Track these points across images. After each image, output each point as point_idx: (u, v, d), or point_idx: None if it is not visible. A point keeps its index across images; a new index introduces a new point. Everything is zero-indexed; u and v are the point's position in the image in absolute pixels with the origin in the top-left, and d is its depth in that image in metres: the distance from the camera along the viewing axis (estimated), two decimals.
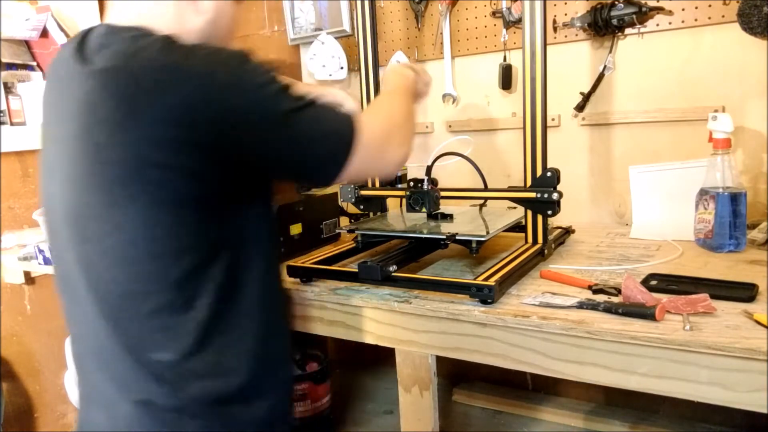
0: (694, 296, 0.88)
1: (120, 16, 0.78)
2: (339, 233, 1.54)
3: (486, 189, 1.31)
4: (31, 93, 1.59)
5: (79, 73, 0.73)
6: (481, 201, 1.40)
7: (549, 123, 1.44)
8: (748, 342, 0.75)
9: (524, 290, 1.03)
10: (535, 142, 1.18)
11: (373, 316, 1.07)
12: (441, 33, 1.69)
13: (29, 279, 1.72)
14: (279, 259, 0.90)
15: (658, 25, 1.42)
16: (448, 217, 1.27)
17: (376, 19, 1.41)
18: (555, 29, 1.54)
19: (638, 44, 1.47)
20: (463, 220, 1.25)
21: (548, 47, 1.18)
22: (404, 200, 1.27)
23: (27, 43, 1.63)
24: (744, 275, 1.02)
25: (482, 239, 1.08)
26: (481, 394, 1.81)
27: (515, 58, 1.61)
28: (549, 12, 1.52)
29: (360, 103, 1.43)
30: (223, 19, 0.85)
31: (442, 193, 1.27)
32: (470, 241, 1.09)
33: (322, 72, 1.89)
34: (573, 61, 1.55)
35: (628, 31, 1.46)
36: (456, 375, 1.88)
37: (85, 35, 0.78)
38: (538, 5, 1.12)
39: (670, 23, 1.41)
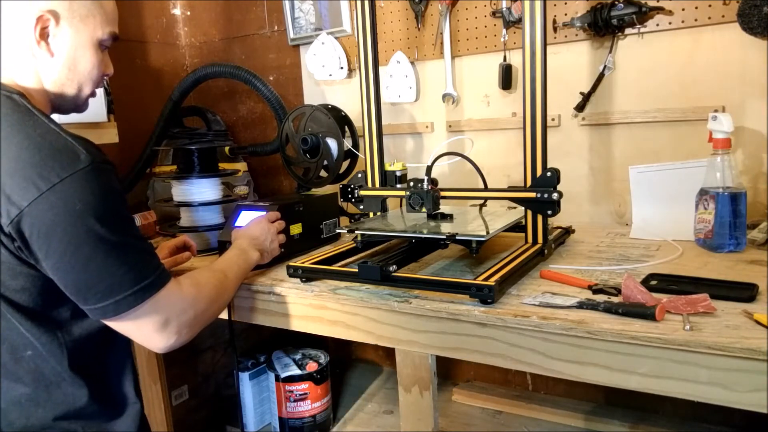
0: (694, 296, 0.88)
1: None
2: (339, 233, 1.54)
3: (486, 189, 1.31)
4: None
5: None
6: (481, 201, 1.40)
7: (549, 123, 1.45)
8: (748, 342, 0.75)
9: (524, 290, 1.03)
10: (535, 142, 1.18)
11: (373, 316, 1.07)
12: (441, 33, 1.69)
13: None
14: None
15: (658, 25, 1.42)
16: (448, 217, 1.27)
17: (376, 19, 1.41)
18: (555, 29, 1.54)
19: (638, 44, 1.47)
20: (463, 220, 1.25)
21: (548, 47, 1.18)
22: (404, 200, 1.27)
23: None
24: (744, 275, 1.02)
25: (482, 239, 1.08)
26: (481, 394, 1.80)
27: (515, 58, 1.61)
28: (549, 12, 1.52)
29: (360, 102, 1.43)
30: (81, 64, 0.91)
31: (442, 193, 1.27)
32: (470, 241, 1.09)
33: (322, 72, 1.89)
34: (573, 61, 1.55)
35: (628, 31, 1.46)
36: (456, 375, 1.88)
37: None
38: (538, 5, 1.12)
39: (670, 23, 1.41)
